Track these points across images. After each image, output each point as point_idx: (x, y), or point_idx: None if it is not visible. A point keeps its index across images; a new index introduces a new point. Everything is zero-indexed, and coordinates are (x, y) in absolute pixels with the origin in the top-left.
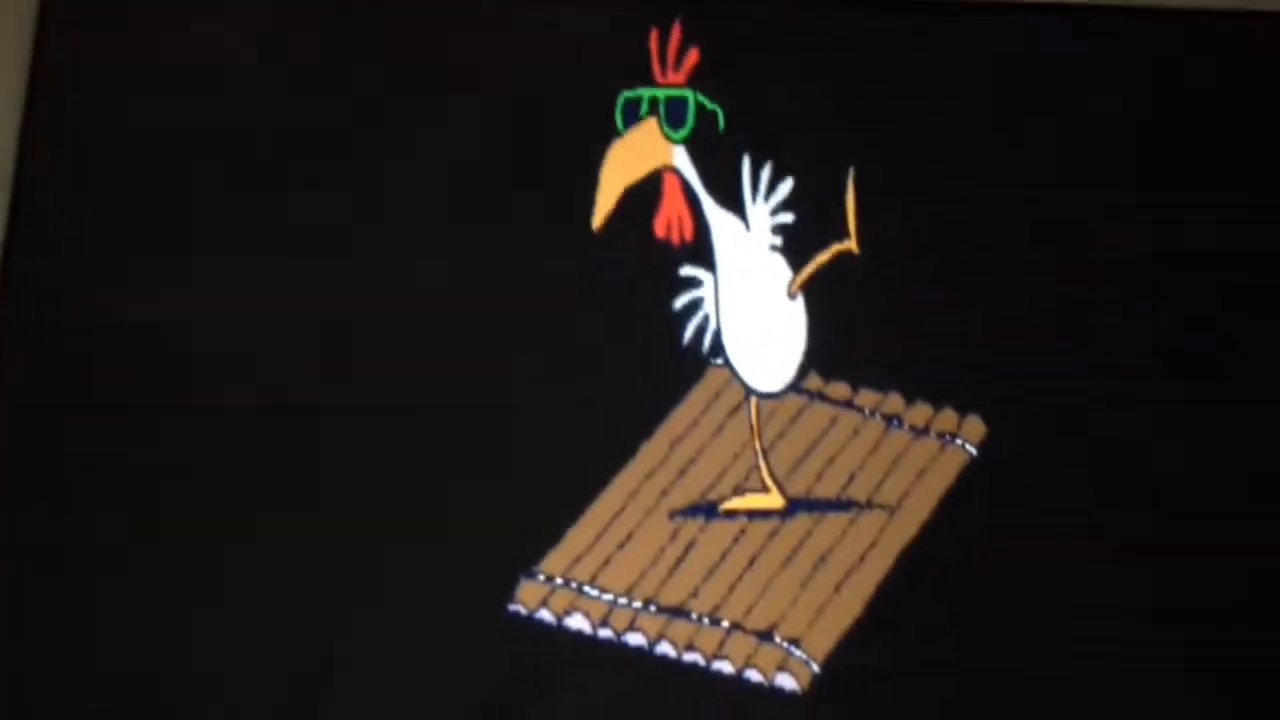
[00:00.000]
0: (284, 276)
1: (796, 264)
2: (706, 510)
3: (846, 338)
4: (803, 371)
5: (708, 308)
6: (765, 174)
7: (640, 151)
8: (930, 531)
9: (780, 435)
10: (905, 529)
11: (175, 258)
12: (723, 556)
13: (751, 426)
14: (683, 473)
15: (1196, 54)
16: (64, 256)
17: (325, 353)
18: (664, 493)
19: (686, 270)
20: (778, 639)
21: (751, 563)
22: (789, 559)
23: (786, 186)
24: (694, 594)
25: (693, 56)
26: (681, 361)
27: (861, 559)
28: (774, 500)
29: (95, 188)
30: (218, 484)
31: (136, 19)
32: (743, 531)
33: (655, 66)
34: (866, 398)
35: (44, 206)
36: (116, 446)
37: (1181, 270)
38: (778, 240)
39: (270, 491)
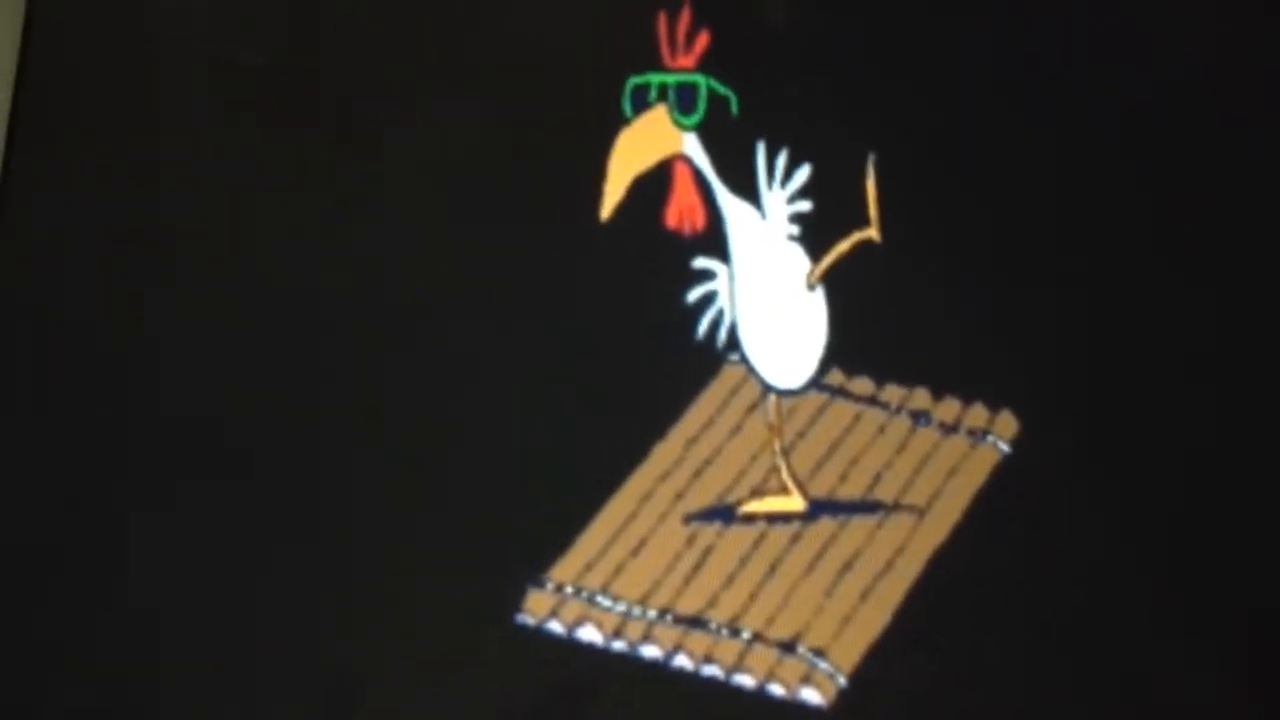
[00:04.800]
0: (278, 272)
1: (816, 254)
2: (724, 514)
3: (870, 330)
4: (824, 367)
5: (723, 301)
6: (781, 160)
7: (649, 139)
8: (962, 535)
9: (801, 434)
10: (935, 532)
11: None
12: (742, 563)
13: (770, 425)
14: (698, 474)
15: (1239, 34)
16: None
17: (321, 351)
18: (679, 496)
19: (700, 262)
20: (801, 650)
21: (772, 569)
22: (812, 565)
23: (804, 173)
24: (712, 603)
25: (703, 40)
26: (696, 357)
27: (889, 565)
28: (795, 503)
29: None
30: (214, 497)
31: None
32: (763, 536)
33: (664, 50)
34: (892, 393)
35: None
36: (111, 449)
37: (1220, 258)
38: (795, 229)
39: (262, 498)
